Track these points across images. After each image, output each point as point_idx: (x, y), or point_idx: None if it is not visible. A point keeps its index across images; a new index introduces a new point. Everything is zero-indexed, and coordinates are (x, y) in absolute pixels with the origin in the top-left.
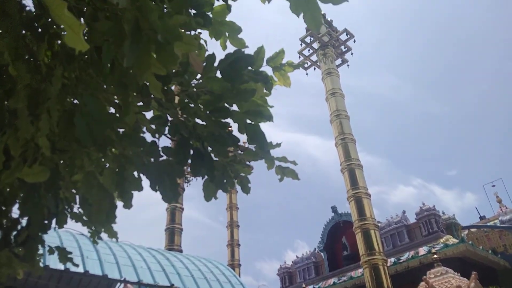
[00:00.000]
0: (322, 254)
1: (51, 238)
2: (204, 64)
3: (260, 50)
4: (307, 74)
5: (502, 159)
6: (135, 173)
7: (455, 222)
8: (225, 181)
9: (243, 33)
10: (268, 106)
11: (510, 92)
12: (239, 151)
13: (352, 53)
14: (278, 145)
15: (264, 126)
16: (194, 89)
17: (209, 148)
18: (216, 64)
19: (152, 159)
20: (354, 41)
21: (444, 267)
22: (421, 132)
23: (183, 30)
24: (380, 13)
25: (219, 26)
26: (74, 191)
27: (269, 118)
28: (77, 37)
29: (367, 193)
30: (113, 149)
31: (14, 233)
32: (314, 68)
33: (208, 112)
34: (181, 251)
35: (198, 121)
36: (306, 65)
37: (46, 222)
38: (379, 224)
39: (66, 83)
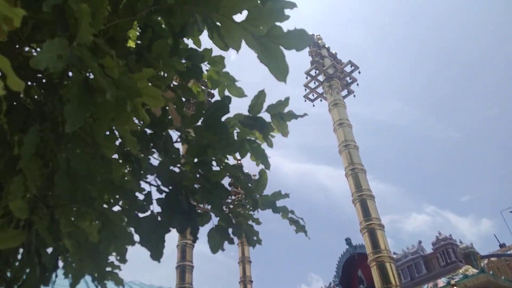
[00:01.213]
0: None
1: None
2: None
3: (260, 95)
4: (313, 105)
5: None
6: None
7: (473, 251)
8: (230, 231)
9: (251, 68)
10: (262, 154)
11: None
12: (240, 201)
13: (357, 84)
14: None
15: (275, 159)
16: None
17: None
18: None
19: (143, 214)
20: (359, 72)
21: None
22: (432, 158)
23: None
24: (386, 43)
25: (216, 77)
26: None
27: (249, 176)
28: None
29: (380, 224)
30: (104, 204)
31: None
32: (321, 100)
33: (193, 164)
34: None
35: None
36: (312, 97)
37: (47, 274)
38: (395, 256)
39: (45, 139)
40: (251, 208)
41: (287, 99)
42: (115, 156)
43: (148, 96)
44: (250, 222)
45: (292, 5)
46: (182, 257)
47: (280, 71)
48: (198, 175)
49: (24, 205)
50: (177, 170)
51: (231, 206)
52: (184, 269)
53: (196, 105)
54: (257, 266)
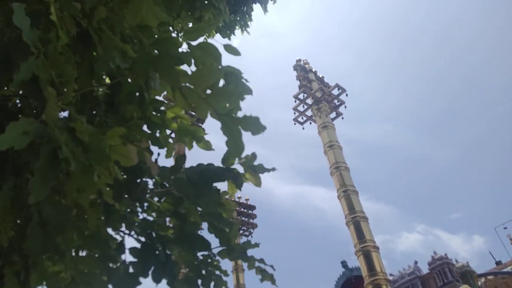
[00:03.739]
0: None
1: None
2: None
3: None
4: (303, 128)
5: (510, 200)
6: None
7: (470, 270)
8: (199, 282)
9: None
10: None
11: (504, 135)
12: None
13: (345, 106)
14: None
15: (269, 181)
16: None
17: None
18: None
19: (116, 264)
20: (347, 94)
21: None
22: (421, 177)
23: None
24: (376, 67)
25: (183, 134)
26: None
27: (228, 223)
28: None
29: (375, 246)
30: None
31: None
32: (310, 123)
33: (169, 214)
34: None
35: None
36: (302, 120)
37: None
38: (391, 277)
39: (18, 192)
40: (226, 257)
41: (254, 154)
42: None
43: (119, 155)
44: (218, 273)
45: (250, 92)
46: None
47: (236, 147)
48: (173, 225)
49: None
50: (151, 219)
51: (201, 258)
52: None
53: (176, 158)
54: None
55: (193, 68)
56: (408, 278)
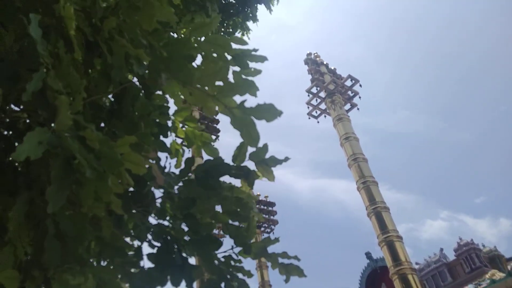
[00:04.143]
0: None
1: None
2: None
3: (243, 145)
4: (318, 122)
5: None
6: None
7: (498, 254)
8: (223, 285)
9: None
10: (252, 199)
11: None
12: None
13: (359, 97)
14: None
15: (288, 177)
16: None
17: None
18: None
19: (134, 269)
20: (360, 85)
21: None
22: (443, 162)
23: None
24: (388, 54)
25: (191, 141)
26: None
27: (245, 219)
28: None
29: (398, 236)
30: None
31: None
32: (325, 116)
33: (182, 217)
34: None
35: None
36: (316, 114)
37: None
38: (417, 266)
39: (32, 206)
40: (243, 255)
41: (265, 146)
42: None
43: (130, 163)
44: (241, 276)
45: (258, 72)
46: None
47: (251, 138)
48: (187, 228)
49: (15, 274)
50: (166, 223)
51: (223, 259)
52: None
53: (185, 161)
54: None
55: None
56: (434, 266)
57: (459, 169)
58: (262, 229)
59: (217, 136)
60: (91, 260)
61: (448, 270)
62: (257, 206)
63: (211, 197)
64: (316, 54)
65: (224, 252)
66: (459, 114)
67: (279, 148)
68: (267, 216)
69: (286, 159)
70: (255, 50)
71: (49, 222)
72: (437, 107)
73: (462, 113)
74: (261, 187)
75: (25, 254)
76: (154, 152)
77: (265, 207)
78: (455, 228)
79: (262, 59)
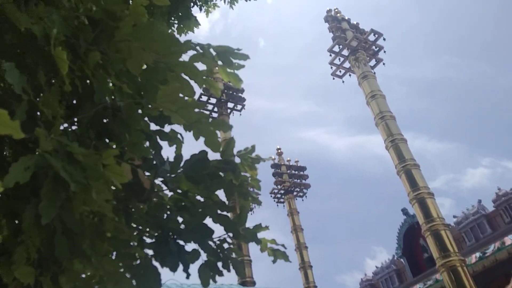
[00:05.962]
0: (402, 260)
1: None
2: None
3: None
4: (343, 82)
5: None
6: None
7: None
8: (220, 264)
9: (282, 43)
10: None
11: None
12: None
13: (384, 51)
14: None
15: (323, 137)
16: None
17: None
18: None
19: (137, 261)
20: (384, 39)
21: None
22: (483, 108)
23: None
24: None
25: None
26: None
27: (232, 209)
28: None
29: (429, 193)
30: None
31: None
32: (350, 75)
33: (177, 209)
34: (254, 283)
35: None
36: (340, 73)
37: None
38: (455, 219)
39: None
40: (234, 242)
41: (253, 147)
42: None
43: (113, 173)
44: (233, 255)
45: (246, 57)
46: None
47: (213, 145)
48: (182, 218)
49: (30, 270)
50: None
51: (218, 242)
52: (243, 264)
53: (174, 158)
54: (318, 247)
55: None
56: (472, 218)
57: (502, 114)
58: (295, 193)
59: (243, 105)
60: (97, 254)
61: (487, 221)
62: (288, 171)
63: (201, 189)
64: (336, 10)
65: (219, 237)
66: (505, 58)
67: (315, 109)
68: (298, 180)
69: (270, 158)
70: (239, 49)
71: (55, 221)
72: (478, 50)
73: (508, 56)
74: (293, 152)
75: (36, 252)
76: (137, 161)
77: (296, 172)
78: (498, 175)
79: (245, 57)
